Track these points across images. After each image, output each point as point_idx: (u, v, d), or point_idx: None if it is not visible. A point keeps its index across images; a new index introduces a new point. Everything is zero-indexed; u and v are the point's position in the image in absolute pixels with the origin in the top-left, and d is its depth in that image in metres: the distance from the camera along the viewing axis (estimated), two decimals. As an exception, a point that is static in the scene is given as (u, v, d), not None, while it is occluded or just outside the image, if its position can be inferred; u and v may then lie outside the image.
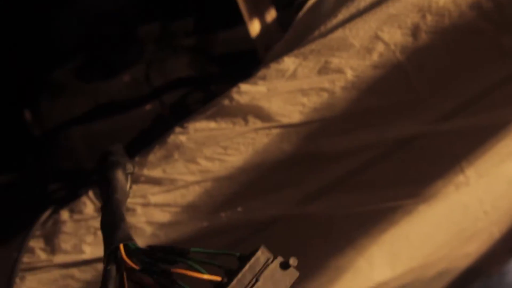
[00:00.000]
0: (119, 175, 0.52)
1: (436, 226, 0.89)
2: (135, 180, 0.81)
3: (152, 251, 0.42)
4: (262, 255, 0.39)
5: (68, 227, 0.80)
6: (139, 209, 0.79)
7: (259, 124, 0.79)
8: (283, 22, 0.91)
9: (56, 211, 0.82)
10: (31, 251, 0.80)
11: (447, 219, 0.89)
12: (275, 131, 0.79)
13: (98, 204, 0.81)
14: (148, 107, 0.94)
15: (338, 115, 0.80)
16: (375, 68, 0.80)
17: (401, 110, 0.83)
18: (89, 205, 0.80)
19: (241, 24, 0.96)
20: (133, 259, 0.41)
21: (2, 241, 0.83)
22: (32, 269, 0.80)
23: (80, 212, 0.80)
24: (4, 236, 0.83)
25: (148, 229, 0.79)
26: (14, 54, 0.97)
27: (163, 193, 0.79)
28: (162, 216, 0.79)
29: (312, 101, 0.79)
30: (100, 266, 0.80)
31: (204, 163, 0.79)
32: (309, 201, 0.83)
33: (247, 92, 0.79)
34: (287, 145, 0.80)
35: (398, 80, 0.81)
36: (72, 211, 0.80)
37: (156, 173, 0.79)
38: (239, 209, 0.81)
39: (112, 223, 0.45)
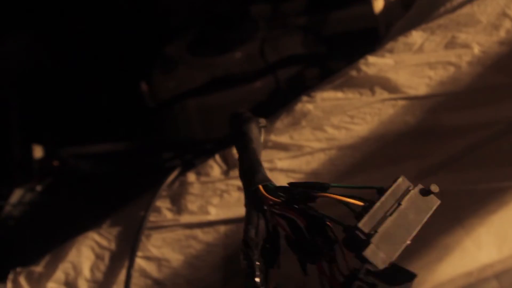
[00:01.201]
0: (254, 127, 0.54)
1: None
2: (263, 146, 0.83)
3: (292, 187, 0.43)
4: (402, 183, 0.39)
5: (195, 188, 0.82)
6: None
7: (385, 95, 0.81)
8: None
9: (182, 173, 0.84)
10: (158, 210, 0.83)
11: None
12: (401, 103, 0.81)
13: (225, 168, 0.84)
14: (262, 82, 0.97)
15: (462, 90, 0.81)
16: (501, 45, 0.81)
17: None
18: (216, 169, 0.83)
19: (350, 4, 0.99)
20: (274, 196, 0.43)
21: (130, 200, 0.86)
22: (158, 227, 0.83)
23: (207, 174, 0.83)
24: (131, 196, 0.86)
25: (272, 194, 0.81)
26: (131, 29, 1.01)
27: (289, 159, 0.81)
28: (286, 182, 0.81)
29: (438, 75, 0.80)
30: (222, 229, 0.83)
31: (330, 131, 0.81)
32: (425, 176, 0.84)
33: (375, 63, 0.81)
34: (411, 118, 0.81)
35: (522, 58, 0.82)
36: (199, 174, 0.83)
37: (283, 139, 0.82)
38: (359, 179, 0.83)
39: (251, 169, 0.47)
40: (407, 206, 0.38)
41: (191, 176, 0.83)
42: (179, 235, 0.83)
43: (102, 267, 0.85)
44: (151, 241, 0.83)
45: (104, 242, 0.85)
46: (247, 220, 0.44)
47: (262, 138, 0.54)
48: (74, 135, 1.00)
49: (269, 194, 0.44)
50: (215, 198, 0.82)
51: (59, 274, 0.85)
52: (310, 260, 0.41)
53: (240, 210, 0.80)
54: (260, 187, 0.44)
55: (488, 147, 0.85)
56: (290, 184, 0.43)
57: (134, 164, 0.95)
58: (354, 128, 0.81)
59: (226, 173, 0.82)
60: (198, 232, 0.83)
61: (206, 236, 0.83)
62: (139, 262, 0.84)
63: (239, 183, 0.83)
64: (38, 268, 0.86)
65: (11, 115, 1.05)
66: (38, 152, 1.01)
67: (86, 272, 0.84)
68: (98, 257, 0.85)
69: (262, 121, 0.55)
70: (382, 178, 0.84)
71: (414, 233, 0.37)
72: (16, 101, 1.05)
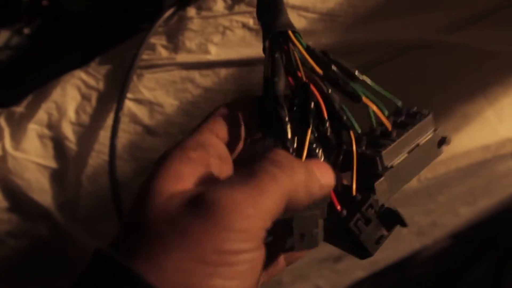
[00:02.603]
0: None
1: None
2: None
3: (324, 55, 0.38)
4: (430, 122, 0.38)
5: (195, 24, 0.73)
6: (275, 10, 0.71)
7: None
8: None
9: (181, 8, 0.75)
10: (152, 47, 0.75)
11: None
12: None
13: (230, 2, 0.74)
14: None
15: None
16: None
17: None
18: (220, 2, 0.73)
19: None
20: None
21: (123, 38, 0.77)
22: (151, 66, 0.74)
23: (209, 9, 0.73)
24: (124, 33, 0.77)
25: (281, 35, 0.72)
26: None
27: (303, -6, 0.71)
28: (298, 21, 0.72)
29: None
30: (223, 72, 0.74)
31: (353, -36, 0.70)
32: (455, 29, 0.75)
33: None
34: (448, -43, 0.71)
35: None
36: (200, 8, 0.74)
37: (298, -29, 0.71)
38: (381, 26, 0.73)
39: (273, 6, 0.39)
40: (423, 149, 0.37)
41: (191, 11, 0.74)
42: (174, 76, 0.75)
43: (89, 109, 0.77)
44: (143, 82, 0.75)
45: (91, 81, 0.77)
46: (273, 71, 0.37)
47: None
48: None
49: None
50: (216, 35, 0.73)
51: (42, 115, 0.77)
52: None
53: (243, 51, 0.71)
54: (290, 33, 0.38)
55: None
56: (323, 52, 0.38)
57: (131, 4, 0.85)
58: (380, -37, 0.71)
59: (230, 7, 0.73)
60: (195, 74, 0.74)
61: (204, 79, 0.74)
62: (129, 105, 0.76)
63: (244, 19, 0.73)
64: (19, 109, 0.79)
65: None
66: (26, -8, 0.91)
67: (71, 113, 0.77)
68: (85, 97, 0.77)
69: None
70: (408, 27, 0.75)
71: (414, 177, 0.37)
72: None
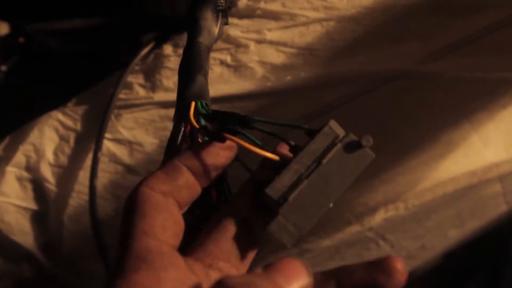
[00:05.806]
0: (208, 13, 0.44)
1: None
2: (250, 15, 0.72)
3: (214, 114, 0.38)
4: (330, 131, 0.33)
5: (172, 62, 0.72)
6: (252, 46, 0.70)
7: (396, -42, 0.69)
8: None
9: (158, 46, 0.74)
10: (129, 86, 0.73)
11: None
12: (413, -32, 0.69)
13: (206, 39, 0.73)
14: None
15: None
16: None
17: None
18: (196, 39, 0.72)
19: None
20: (199, 118, 0.38)
21: (99, 76, 0.76)
22: (129, 106, 0.73)
23: (186, 46, 0.72)
24: (101, 72, 0.76)
25: (260, 70, 0.71)
26: None
27: (280, 30, 0.71)
28: (276, 56, 0.71)
29: None
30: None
31: (329, -2, 0.70)
32: (433, 59, 0.74)
33: None
34: (426, -13, 0.70)
35: None
36: (176, 46, 0.73)
37: (274, 6, 0.71)
38: (360, 58, 0.72)
39: (188, 72, 0.40)
40: (330, 165, 0.32)
41: (168, 48, 0.73)
42: (153, 115, 0.73)
43: (67, 150, 0.76)
44: (121, 122, 0.74)
45: (69, 122, 0.76)
46: (173, 135, 0.40)
47: (217, 26, 0.44)
48: (43, 9, 0.88)
49: (195, 117, 0.38)
50: (194, 73, 0.72)
51: (20, 157, 0.76)
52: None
53: (222, 88, 0.70)
54: (193, 104, 0.38)
55: (510, 29, 0.75)
56: (213, 111, 0.38)
57: (109, 41, 0.84)
58: (357, -4, 0.70)
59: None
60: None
61: (183, 117, 0.73)
62: (108, 145, 0.74)
63: (221, 56, 0.73)
64: (-3, 151, 0.77)
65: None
66: (3, 29, 0.90)
67: (49, 155, 0.75)
68: (63, 138, 0.76)
69: (221, 3, 0.44)
70: (386, 59, 0.74)
71: (335, 199, 0.32)
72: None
